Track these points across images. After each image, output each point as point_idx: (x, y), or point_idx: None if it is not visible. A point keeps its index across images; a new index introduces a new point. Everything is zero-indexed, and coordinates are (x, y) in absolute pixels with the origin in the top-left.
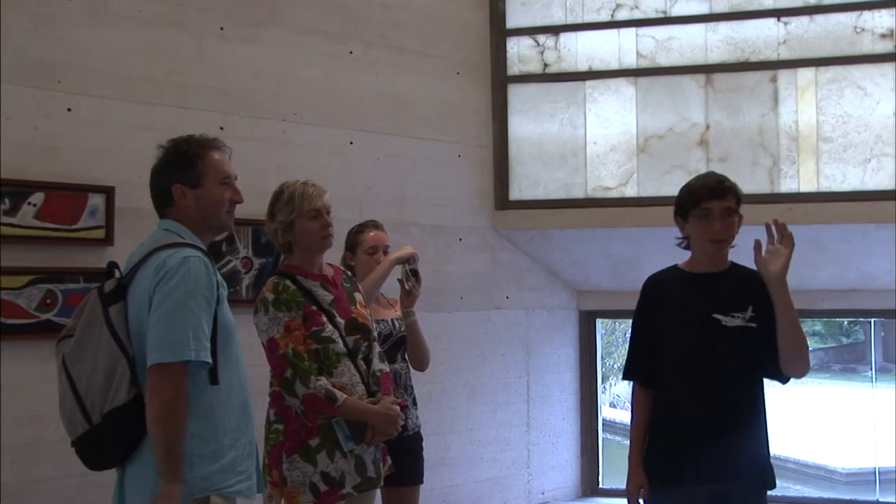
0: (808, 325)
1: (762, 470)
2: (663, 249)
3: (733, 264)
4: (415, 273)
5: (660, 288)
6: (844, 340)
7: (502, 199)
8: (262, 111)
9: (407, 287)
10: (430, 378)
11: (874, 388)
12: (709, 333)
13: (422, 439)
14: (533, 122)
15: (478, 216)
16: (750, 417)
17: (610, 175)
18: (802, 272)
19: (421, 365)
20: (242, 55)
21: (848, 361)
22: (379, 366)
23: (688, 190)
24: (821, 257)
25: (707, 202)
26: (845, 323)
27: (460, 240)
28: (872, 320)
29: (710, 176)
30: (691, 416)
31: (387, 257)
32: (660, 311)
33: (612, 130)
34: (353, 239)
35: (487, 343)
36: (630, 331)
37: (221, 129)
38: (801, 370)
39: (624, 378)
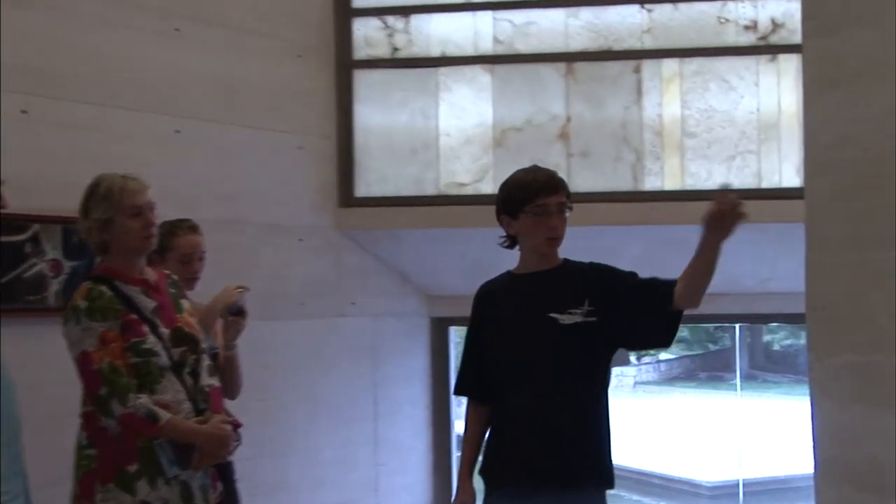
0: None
1: (603, 471)
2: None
3: (565, 260)
4: (239, 312)
5: (491, 296)
6: (711, 347)
7: (347, 196)
8: (73, 93)
9: (229, 323)
10: (265, 394)
11: (739, 396)
12: (546, 333)
13: (231, 463)
14: (381, 111)
15: (320, 214)
16: (592, 418)
17: (464, 170)
18: (667, 275)
19: (233, 394)
20: (48, 28)
21: (714, 369)
22: (208, 380)
23: (517, 185)
24: (686, 259)
25: (543, 198)
26: (711, 329)
27: (301, 240)
28: (738, 325)
29: (540, 170)
30: (532, 421)
31: (210, 308)
32: (493, 320)
33: (467, 122)
34: (164, 242)
35: (330, 354)
36: (463, 344)
37: (24, 112)
38: (701, 298)
39: (455, 393)
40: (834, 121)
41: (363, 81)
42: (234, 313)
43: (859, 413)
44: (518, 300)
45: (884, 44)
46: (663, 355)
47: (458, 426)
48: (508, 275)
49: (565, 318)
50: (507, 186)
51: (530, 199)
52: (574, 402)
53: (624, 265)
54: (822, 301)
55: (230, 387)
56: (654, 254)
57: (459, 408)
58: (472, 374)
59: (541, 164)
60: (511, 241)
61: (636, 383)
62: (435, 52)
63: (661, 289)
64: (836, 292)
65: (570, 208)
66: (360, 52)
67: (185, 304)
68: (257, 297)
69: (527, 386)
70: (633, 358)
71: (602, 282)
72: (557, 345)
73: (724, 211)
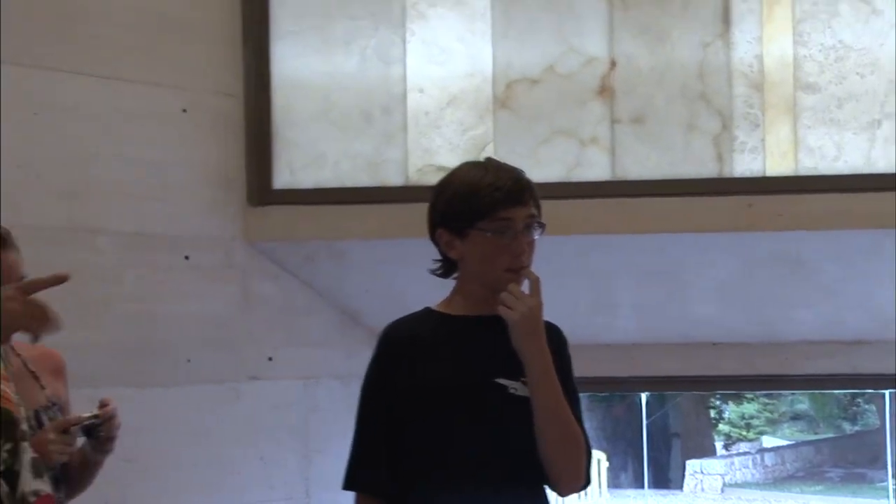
0: (786, 403)
1: None
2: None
3: None
4: (91, 431)
5: (409, 343)
6: (847, 428)
7: (261, 188)
8: None
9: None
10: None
11: None
12: (490, 404)
13: None
14: (314, 52)
15: (218, 217)
16: None
17: (448, 146)
18: (770, 312)
19: (73, 494)
20: None
21: (853, 463)
22: (33, 484)
23: (468, 189)
24: (801, 286)
25: (506, 210)
26: (846, 398)
27: (187, 258)
28: (887, 392)
29: (501, 169)
30: None
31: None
32: (414, 379)
33: (453, 70)
34: None
35: (235, 440)
36: (357, 411)
37: None
38: (569, 485)
39: (346, 487)
40: None
41: (286, 5)
42: (86, 431)
43: None
44: (455, 354)
45: None
46: (769, 442)
47: None
48: (433, 315)
49: (518, 388)
50: (450, 189)
51: (488, 210)
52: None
53: (703, 295)
54: None
55: (72, 491)
56: (752, 278)
57: None
58: (377, 458)
59: (567, 137)
60: (448, 268)
61: (726, 486)
62: None
63: None
64: None
65: (543, 226)
66: None
67: None
68: (115, 350)
69: (455, 477)
70: (719, 446)
71: (558, 359)
72: (504, 422)
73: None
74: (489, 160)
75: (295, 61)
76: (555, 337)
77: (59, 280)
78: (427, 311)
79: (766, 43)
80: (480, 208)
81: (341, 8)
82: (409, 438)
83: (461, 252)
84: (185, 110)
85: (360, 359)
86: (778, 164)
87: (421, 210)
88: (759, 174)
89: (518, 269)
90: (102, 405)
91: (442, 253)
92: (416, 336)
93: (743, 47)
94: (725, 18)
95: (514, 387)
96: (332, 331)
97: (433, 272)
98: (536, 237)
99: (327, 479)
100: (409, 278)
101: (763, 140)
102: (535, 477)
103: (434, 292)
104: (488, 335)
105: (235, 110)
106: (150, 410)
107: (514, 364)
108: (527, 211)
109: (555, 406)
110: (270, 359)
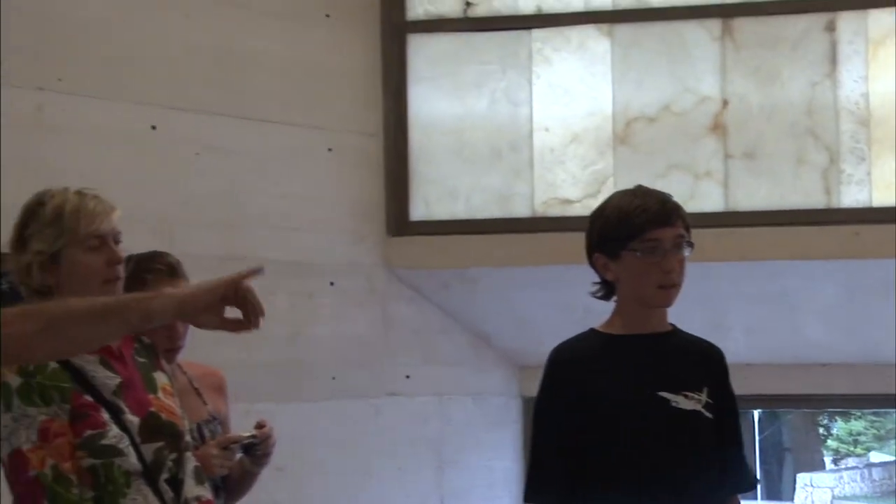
0: (892, 420)
1: None
2: None
3: (675, 327)
4: (249, 449)
5: (576, 363)
6: None
7: (399, 220)
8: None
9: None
10: None
11: None
12: (655, 417)
13: None
14: (448, 95)
15: (360, 246)
16: None
17: (571, 180)
18: (875, 334)
19: (231, 501)
20: None
21: None
22: (195, 491)
23: (618, 215)
24: None
25: (654, 231)
26: None
27: (332, 284)
28: None
29: (648, 194)
30: None
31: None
32: (584, 397)
33: (575, 109)
34: (131, 289)
35: (375, 451)
36: (533, 430)
37: None
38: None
39: (527, 500)
40: None
41: (422, 52)
42: (245, 448)
43: None
44: (616, 371)
45: None
46: (877, 457)
47: None
48: (597, 335)
49: (680, 402)
50: (602, 216)
51: (637, 232)
52: None
53: (812, 318)
54: None
55: (231, 498)
56: (858, 303)
57: None
58: (555, 472)
59: (683, 171)
60: (608, 290)
61: (835, 498)
62: (527, 8)
63: (735, 471)
64: None
65: (691, 245)
66: (418, 9)
67: (162, 379)
68: (268, 368)
69: (637, 490)
70: (829, 460)
71: (721, 378)
72: (670, 433)
73: None
74: (639, 187)
75: (430, 103)
76: (717, 357)
77: (254, 273)
78: (590, 332)
79: (871, 81)
80: (630, 231)
81: (472, 54)
82: (582, 454)
83: (616, 274)
84: (330, 149)
85: (491, 377)
86: (883, 196)
87: (546, 240)
88: (866, 205)
89: (668, 286)
90: (260, 426)
91: (600, 276)
92: (580, 357)
93: (849, 86)
94: (832, 59)
95: (676, 400)
96: (464, 351)
97: (593, 295)
98: (687, 255)
99: (459, 489)
100: (536, 303)
101: (869, 173)
102: (702, 485)
103: (559, 315)
104: (648, 352)
105: (376, 149)
106: (299, 423)
107: (674, 378)
108: (675, 231)
109: None
110: (408, 377)
